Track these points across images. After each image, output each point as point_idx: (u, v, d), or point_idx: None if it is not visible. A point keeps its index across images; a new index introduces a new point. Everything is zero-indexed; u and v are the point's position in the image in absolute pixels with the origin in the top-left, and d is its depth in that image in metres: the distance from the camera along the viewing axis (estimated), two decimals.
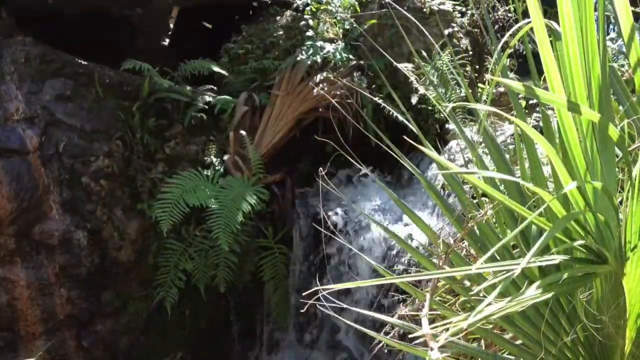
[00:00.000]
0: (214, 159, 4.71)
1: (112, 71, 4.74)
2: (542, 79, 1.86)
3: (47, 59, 4.51)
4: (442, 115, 4.45)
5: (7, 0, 4.85)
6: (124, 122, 4.59)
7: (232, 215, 4.30)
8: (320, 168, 2.57)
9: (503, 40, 1.78)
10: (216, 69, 4.95)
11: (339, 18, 4.82)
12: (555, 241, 1.62)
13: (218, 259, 4.50)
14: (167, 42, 6.38)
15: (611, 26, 3.80)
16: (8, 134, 4.26)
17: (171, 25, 6.85)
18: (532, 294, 1.43)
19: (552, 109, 1.85)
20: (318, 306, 1.87)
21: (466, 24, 5.00)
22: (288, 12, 5.28)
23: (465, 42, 4.88)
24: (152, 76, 4.64)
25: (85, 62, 4.68)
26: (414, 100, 4.47)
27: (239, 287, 4.83)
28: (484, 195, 2.49)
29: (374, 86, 4.66)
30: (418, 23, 3.58)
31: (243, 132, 4.66)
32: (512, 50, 1.89)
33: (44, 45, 4.60)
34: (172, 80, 4.79)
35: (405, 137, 2.08)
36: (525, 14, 1.75)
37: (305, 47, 4.68)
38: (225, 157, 4.71)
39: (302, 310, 4.24)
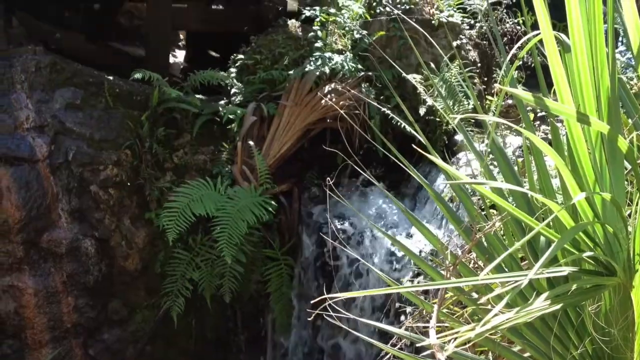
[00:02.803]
0: (222, 169, 4.72)
1: (122, 80, 4.77)
2: (551, 91, 1.87)
3: (58, 68, 4.54)
4: (450, 127, 4.46)
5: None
6: (133, 131, 4.62)
7: (237, 226, 4.30)
8: (328, 178, 2.57)
9: (512, 52, 1.79)
10: (225, 79, 4.97)
11: (347, 29, 4.84)
12: (564, 252, 1.61)
13: (224, 269, 4.50)
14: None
15: (620, 39, 3.81)
16: (18, 142, 4.29)
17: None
18: (540, 305, 1.43)
19: (561, 121, 1.85)
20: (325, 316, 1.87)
21: (475, 36, 5.00)
22: (297, 24, 5.30)
23: (473, 54, 4.89)
24: (161, 86, 4.66)
25: (95, 72, 4.71)
26: (422, 111, 4.48)
27: (245, 297, 4.83)
28: (492, 206, 2.48)
29: (382, 97, 4.66)
30: (427, 35, 3.60)
31: (251, 142, 4.67)
32: (520, 62, 1.90)
33: (55, 54, 4.64)
34: (181, 91, 4.81)
35: (414, 147, 2.08)
36: (534, 26, 1.76)
37: (313, 58, 4.69)
38: (233, 167, 4.72)
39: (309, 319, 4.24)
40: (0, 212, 4.19)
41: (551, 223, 1.66)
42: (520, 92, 1.43)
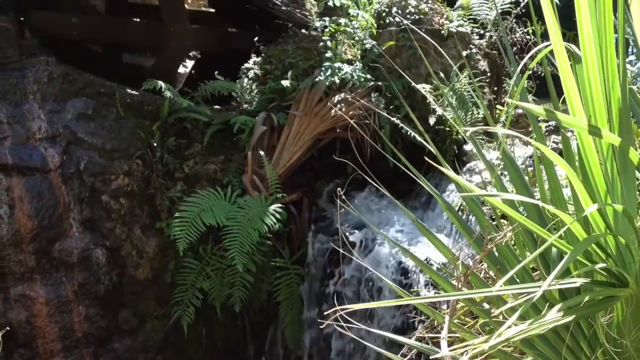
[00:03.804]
0: (232, 178, 4.74)
1: (133, 91, 4.80)
2: (560, 100, 1.87)
3: (70, 79, 4.58)
4: (459, 136, 4.46)
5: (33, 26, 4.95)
6: (144, 141, 4.64)
7: (248, 235, 4.31)
8: (339, 188, 2.58)
9: (522, 63, 1.79)
10: (235, 89, 5.00)
11: (357, 39, 4.85)
12: (576, 264, 1.61)
13: (234, 279, 4.51)
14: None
15: (631, 49, 3.80)
16: (30, 152, 4.32)
17: None
18: (553, 317, 1.43)
19: (572, 132, 1.85)
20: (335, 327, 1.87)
21: (484, 46, 5.01)
22: (307, 34, 5.31)
23: (483, 64, 4.89)
24: (172, 96, 4.69)
25: (107, 82, 4.74)
26: (432, 121, 4.48)
27: (256, 306, 4.84)
28: (503, 216, 2.48)
29: (391, 107, 4.67)
30: (436, 45, 3.61)
31: (261, 152, 4.69)
32: (530, 72, 1.90)
33: (67, 65, 4.67)
34: (192, 101, 4.84)
35: (425, 158, 2.09)
36: (544, 36, 1.76)
37: (323, 68, 4.71)
38: (243, 177, 4.73)
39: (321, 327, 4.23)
40: (13, 221, 4.23)
41: (563, 234, 1.66)
42: (532, 105, 1.44)
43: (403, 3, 4.86)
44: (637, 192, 1.62)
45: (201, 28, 5.96)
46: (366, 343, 2.16)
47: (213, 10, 6.58)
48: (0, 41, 4.52)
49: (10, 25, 4.64)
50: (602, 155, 1.59)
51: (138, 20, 5.76)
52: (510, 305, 1.39)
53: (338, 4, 4.91)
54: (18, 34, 4.75)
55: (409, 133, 4.16)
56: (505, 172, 2.06)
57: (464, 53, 4.73)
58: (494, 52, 5.05)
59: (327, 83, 4.66)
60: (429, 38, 3.75)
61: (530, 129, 1.94)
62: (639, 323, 1.56)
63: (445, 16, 4.87)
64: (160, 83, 4.67)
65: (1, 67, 4.48)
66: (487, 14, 5.00)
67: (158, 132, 4.66)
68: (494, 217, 2.33)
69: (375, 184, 2.20)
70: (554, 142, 3.71)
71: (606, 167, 1.59)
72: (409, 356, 2.37)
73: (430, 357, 1.65)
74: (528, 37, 4.84)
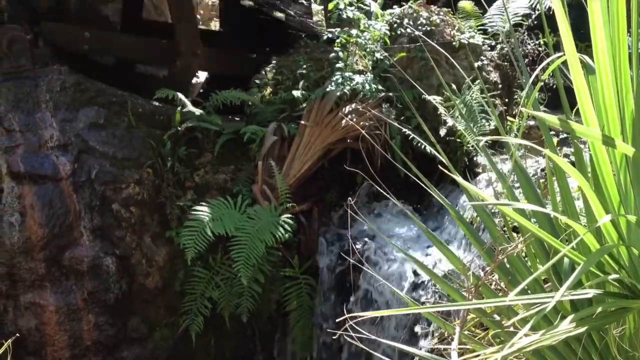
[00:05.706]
0: (242, 188, 4.74)
1: (145, 100, 4.82)
2: (573, 112, 1.86)
3: (82, 88, 4.61)
4: (470, 147, 4.44)
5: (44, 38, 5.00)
6: (155, 150, 4.66)
7: (255, 247, 4.30)
8: (350, 198, 2.58)
9: (535, 73, 1.79)
10: (246, 99, 5.01)
11: (368, 50, 4.86)
12: (588, 275, 1.60)
13: (242, 289, 4.50)
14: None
15: None
16: (42, 161, 4.35)
17: None
18: (565, 328, 1.42)
19: (584, 143, 1.84)
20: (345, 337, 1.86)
21: (496, 58, 5.01)
22: (318, 45, 5.33)
23: (494, 76, 4.88)
24: (183, 105, 4.71)
25: (119, 91, 4.77)
26: (443, 132, 4.47)
27: (264, 316, 4.83)
28: (514, 228, 2.47)
29: (402, 118, 4.67)
30: (448, 56, 3.60)
31: (271, 162, 4.69)
32: (542, 83, 1.90)
33: (79, 74, 4.71)
34: (203, 110, 4.86)
35: (434, 168, 2.09)
36: (556, 48, 1.76)
37: (334, 79, 4.71)
38: (254, 186, 4.73)
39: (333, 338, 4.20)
40: (24, 229, 4.25)
41: (575, 245, 1.66)
42: (546, 115, 1.44)
43: (415, 15, 4.87)
44: None
45: (213, 50, 5.99)
46: (379, 355, 2.15)
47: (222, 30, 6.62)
48: (13, 50, 4.56)
49: (24, 34, 4.68)
50: (615, 166, 1.59)
51: (151, 39, 5.80)
52: (522, 316, 1.38)
53: (351, 16, 4.92)
54: (31, 43, 4.79)
55: (419, 144, 4.15)
56: (517, 184, 2.05)
57: (476, 64, 4.72)
58: (505, 63, 5.05)
59: (338, 93, 4.67)
60: (440, 49, 3.74)
61: (541, 138, 1.93)
62: None
63: (456, 27, 4.87)
64: (173, 92, 4.69)
65: (14, 76, 4.52)
66: (499, 26, 5.00)
67: (169, 141, 4.68)
68: (505, 228, 2.32)
69: (387, 194, 2.20)
70: (564, 154, 3.70)
71: (619, 177, 1.58)
72: None
73: None
74: (540, 49, 4.83)
